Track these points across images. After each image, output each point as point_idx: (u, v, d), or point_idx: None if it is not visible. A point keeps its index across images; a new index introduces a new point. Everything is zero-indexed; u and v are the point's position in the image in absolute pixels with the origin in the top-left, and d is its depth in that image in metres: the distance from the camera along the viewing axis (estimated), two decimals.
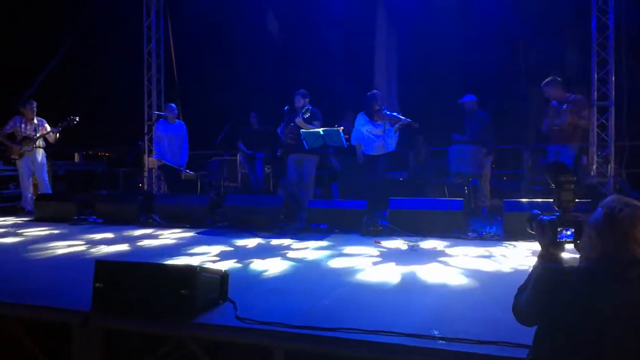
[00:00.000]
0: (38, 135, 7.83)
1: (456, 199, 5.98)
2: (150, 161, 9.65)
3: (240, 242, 5.22)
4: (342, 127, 6.70)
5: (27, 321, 2.97)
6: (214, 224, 6.38)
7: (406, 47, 9.74)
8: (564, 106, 6.12)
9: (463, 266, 4.05)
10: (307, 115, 6.60)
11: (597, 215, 1.74)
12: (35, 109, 7.87)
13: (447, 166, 7.34)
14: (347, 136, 6.90)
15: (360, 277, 3.74)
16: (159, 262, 3.60)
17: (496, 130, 7.51)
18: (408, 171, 9.33)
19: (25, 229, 6.32)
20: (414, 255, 4.52)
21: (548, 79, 6.35)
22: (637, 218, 1.67)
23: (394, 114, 6.75)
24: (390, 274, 3.79)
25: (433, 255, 4.50)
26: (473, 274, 3.78)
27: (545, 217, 2.03)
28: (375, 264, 4.16)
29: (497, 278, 3.67)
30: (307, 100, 6.73)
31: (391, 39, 9.91)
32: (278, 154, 6.90)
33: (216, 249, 4.87)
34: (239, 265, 4.14)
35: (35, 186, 7.99)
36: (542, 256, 2.01)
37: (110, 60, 10.53)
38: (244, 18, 10.22)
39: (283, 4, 9.81)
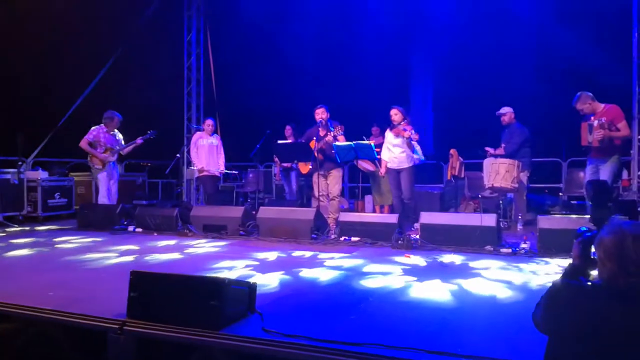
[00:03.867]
0: (125, 146, 7.91)
1: (490, 214, 5.93)
2: (189, 172, 9.92)
3: (261, 255, 5.23)
4: (373, 141, 6.74)
5: (67, 327, 3.11)
6: (247, 235, 6.51)
7: (442, 60, 9.76)
8: (595, 122, 5.84)
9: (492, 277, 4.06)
10: (339, 134, 6.64)
11: (606, 236, 1.75)
12: (119, 122, 7.87)
13: (481, 180, 7.25)
14: (379, 149, 6.96)
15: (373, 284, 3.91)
16: (194, 273, 3.70)
17: (535, 144, 7.32)
18: (443, 184, 9.28)
19: (70, 236, 6.59)
20: (432, 270, 4.50)
21: (576, 95, 6.05)
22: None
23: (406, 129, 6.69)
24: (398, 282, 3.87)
25: (454, 271, 4.48)
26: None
27: (588, 234, 2.03)
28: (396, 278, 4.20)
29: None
30: (328, 114, 6.82)
31: (427, 53, 9.97)
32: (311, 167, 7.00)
33: (241, 262, 4.86)
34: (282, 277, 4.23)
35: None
36: (565, 271, 2.04)
37: (152, 75, 10.91)
38: (282, 35, 10.45)
39: (325, 23, 9.98)
